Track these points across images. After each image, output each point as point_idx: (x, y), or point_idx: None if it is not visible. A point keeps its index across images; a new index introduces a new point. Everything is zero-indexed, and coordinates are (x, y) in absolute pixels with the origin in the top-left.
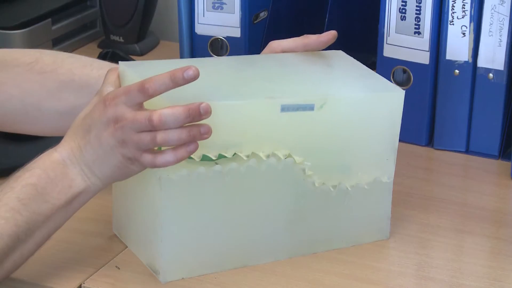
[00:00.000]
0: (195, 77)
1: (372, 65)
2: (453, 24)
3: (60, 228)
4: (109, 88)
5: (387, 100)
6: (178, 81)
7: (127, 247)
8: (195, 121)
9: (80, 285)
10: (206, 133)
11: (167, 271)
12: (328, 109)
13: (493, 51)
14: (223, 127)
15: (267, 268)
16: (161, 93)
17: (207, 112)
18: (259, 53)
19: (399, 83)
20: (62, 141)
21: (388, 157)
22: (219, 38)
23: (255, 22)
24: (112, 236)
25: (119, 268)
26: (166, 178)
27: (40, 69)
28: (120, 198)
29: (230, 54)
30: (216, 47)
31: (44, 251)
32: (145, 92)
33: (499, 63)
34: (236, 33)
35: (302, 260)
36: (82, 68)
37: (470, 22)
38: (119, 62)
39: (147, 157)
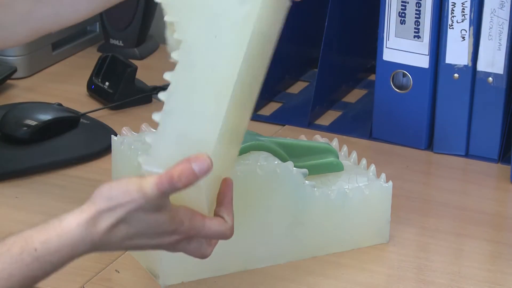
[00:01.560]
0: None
1: (371, 69)
2: (452, 28)
3: None
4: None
5: None
6: None
7: (126, 250)
8: None
9: None
10: None
11: (167, 275)
12: None
13: (492, 55)
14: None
15: (267, 272)
16: None
17: None
18: None
19: (398, 87)
20: (87, 232)
21: None
22: None
23: None
24: None
25: (118, 272)
26: None
27: None
28: None
29: None
30: None
31: None
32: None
33: (498, 67)
34: None
35: (301, 264)
36: None
37: (470, 26)
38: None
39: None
